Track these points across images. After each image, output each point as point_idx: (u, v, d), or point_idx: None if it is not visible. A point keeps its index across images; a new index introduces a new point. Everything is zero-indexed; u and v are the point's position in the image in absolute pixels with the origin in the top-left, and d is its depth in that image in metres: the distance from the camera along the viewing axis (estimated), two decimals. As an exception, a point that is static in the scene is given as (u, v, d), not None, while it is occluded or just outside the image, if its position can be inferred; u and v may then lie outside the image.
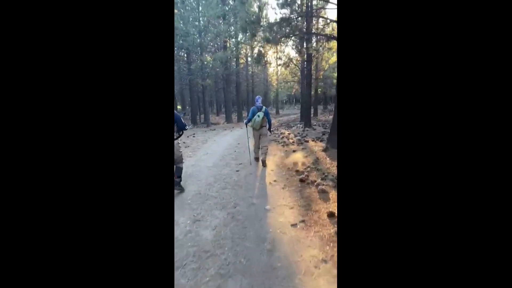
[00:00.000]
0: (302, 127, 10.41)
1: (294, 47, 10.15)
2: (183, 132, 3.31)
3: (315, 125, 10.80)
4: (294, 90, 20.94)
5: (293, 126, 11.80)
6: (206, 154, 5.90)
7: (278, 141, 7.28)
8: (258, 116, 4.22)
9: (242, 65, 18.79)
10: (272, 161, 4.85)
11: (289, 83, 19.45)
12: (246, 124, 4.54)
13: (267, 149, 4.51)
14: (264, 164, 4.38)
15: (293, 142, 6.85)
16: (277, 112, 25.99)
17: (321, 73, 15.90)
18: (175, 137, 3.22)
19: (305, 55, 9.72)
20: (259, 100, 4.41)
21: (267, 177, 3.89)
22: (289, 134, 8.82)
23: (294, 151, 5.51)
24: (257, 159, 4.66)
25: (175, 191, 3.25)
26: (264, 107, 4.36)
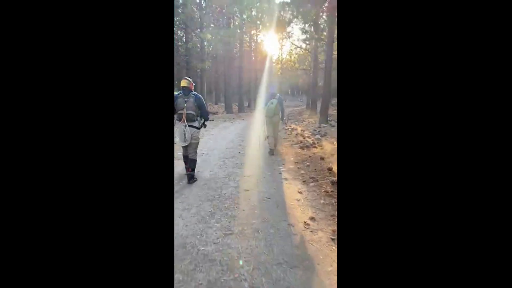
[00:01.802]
0: (317, 123, 8.90)
1: (313, 23, 8.44)
2: (204, 122, 3.04)
3: (330, 120, 9.27)
4: (301, 80, 19.25)
5: (304, 121, 10.27)
6: (202, 155, 4.37)
7: (292, 140, 5.76)
8: (272, 103, 4.22)
9: (245, 48, 16.94)
10: (295, 175, 3.35)
11: (296, 71, 17.71)
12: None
13: (277, 137, 4.59)
14: (271, 153, 4.36)
15: (313, 142, 5.34)
16: (280, 104, 24.24)
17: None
18: (198, 126, 2.98)
19: (324, 34, 8.05)
20: (273, 88, 4.52)
21: (298, 207, 2.40)
22: (302, 130, 7.29)
23: (322, 158, 3.99)
24: (272, 151, 4.41)
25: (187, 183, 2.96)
26: (278, 94, 4.36)
